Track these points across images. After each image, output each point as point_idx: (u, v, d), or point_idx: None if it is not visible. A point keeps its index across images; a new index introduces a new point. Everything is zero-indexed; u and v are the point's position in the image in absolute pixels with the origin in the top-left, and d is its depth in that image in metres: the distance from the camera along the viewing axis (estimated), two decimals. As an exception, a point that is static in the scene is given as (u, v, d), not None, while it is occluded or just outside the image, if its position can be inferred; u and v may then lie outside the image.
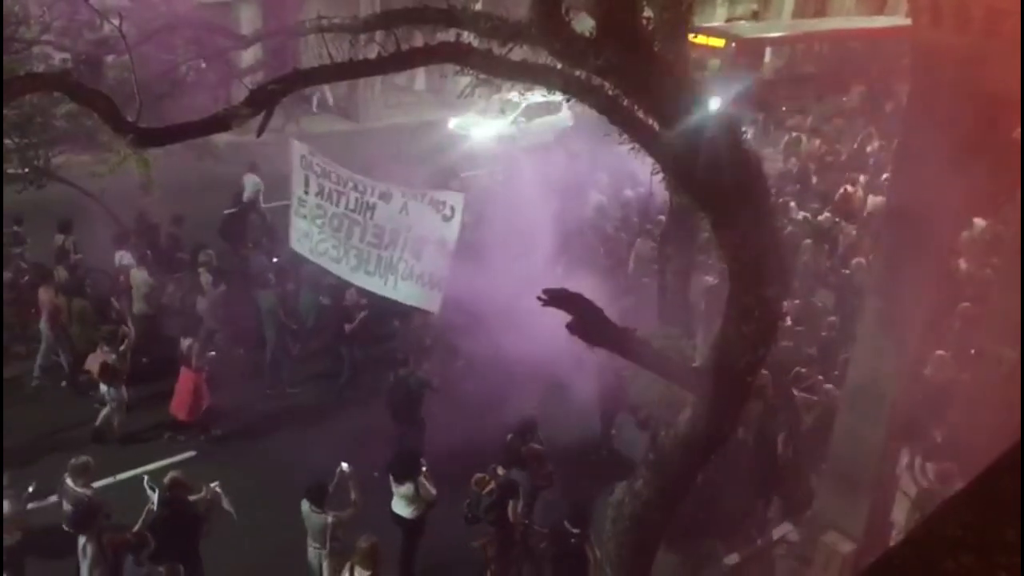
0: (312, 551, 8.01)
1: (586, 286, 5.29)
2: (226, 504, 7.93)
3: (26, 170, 12.68)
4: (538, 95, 15.10)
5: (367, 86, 23.45)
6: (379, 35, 6.94)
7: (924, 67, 7.25)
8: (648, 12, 7.10)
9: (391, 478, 8.34)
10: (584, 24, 4.95)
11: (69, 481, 7.96)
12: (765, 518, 9.81)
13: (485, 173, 18.00)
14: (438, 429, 9.91)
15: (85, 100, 5.59)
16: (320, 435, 10.69)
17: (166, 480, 7.87)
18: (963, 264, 12.77)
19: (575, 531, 7.68)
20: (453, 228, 9.15)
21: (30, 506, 8.10)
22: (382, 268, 9.60)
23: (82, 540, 7.57)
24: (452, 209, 9.16)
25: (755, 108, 20.56)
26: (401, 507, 8.41)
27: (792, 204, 15.91)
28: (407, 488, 8.26)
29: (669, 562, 8.05)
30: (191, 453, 10.45)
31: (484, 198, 13.73)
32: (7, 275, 11.86)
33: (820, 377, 10.37)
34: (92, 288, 12.09)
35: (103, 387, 10.45)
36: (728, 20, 29.85)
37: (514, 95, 10.75)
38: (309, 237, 10.23)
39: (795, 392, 10.01)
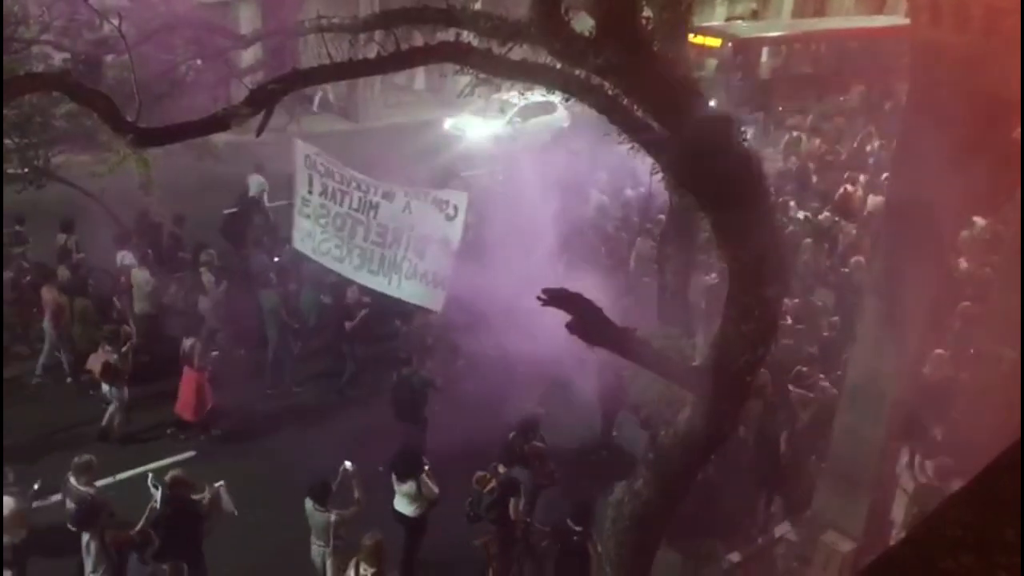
0: (316, 549, 8.04)
1: (587, 285, 5.28)
2: (227, 504, 7.95)
3: (26, 170, 12.68)
4: (536, 95, 15.09)
5: (366, 86, 23.41)
6: (378, 35, 6.96)
7: (923, 66, 7.25)
8: (648, 12, 7.09)
9: (393, 477, 8.36)
10: (584, 24, 4.95)
11: (72, 479, 7.99)
12: (765, 517, 9.82)
13: (485, 173, 17.99)
14: (440, 428, 9.93)
15: (85, 100, 5.60)
16: (322, 434, 10.71)
17: (167, 478, 7.88)
18: (963, 263, 12.76)
19: (578, 529, 7.70)
20: (456, 227, 9.18)
21: (35, 504, 8.15)
22: (386, 267, 9.63)
23: (86, 538, 7.57)
24: (455, 208, 9.19)
25: (752, 108, 20.50)
26: (403, 505, 8.42)
27: (792, 203, 15.92)
28: (409, 486, 8.27)
29: (669, 561, 8.07)
30: (192, 453, 10.46)
31: (485, 197, 13.71)
32: (9, 275, 11.85)
33: (821, 376, 10.37)
34: (94, 288, 12.11)
35: (105, 387, 10.47)
36: (728, 19, 29.78)
37: (513, 95, 10.74)
38: (312, 237, 10.25)
39: (791, 388, 10.02)
